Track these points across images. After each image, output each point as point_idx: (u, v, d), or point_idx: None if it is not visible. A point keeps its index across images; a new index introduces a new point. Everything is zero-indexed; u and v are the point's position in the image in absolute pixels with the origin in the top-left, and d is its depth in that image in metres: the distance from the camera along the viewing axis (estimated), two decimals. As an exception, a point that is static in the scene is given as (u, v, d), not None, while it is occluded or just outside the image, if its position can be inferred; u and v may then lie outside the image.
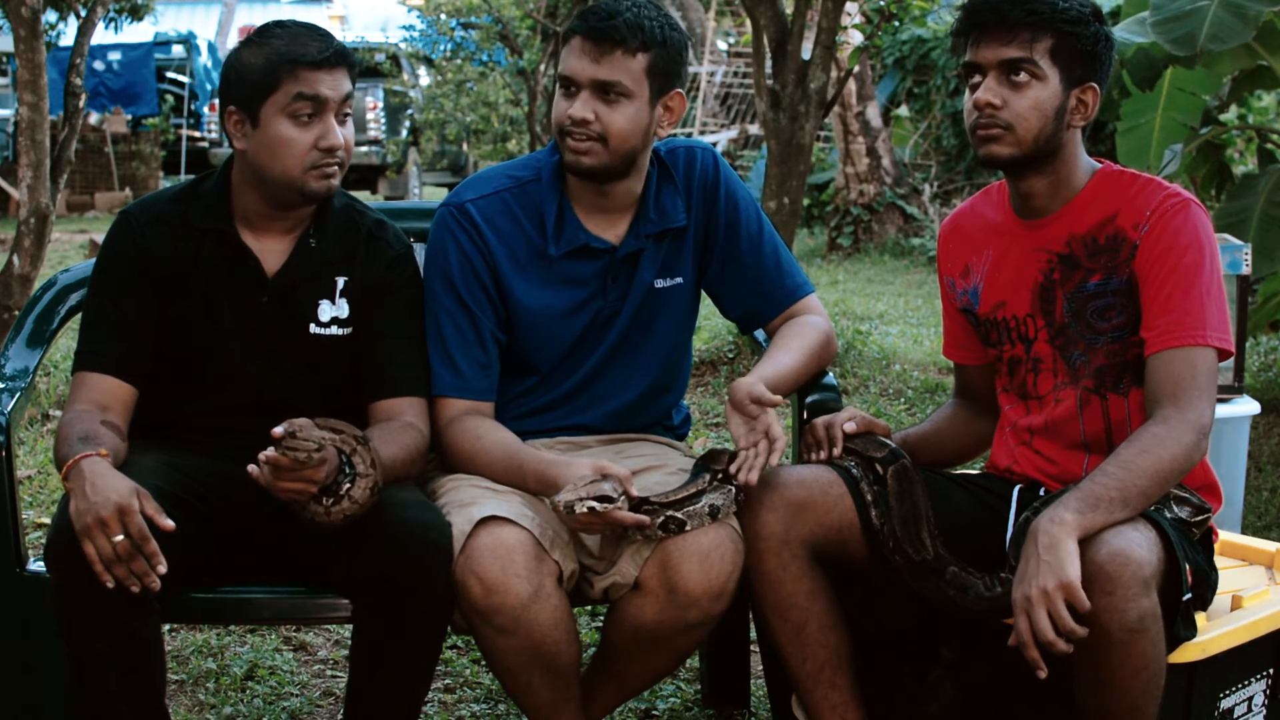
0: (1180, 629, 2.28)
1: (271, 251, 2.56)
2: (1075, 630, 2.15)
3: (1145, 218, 2.42)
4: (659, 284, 2.71)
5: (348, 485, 2.33)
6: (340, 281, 2.59)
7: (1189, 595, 2.27)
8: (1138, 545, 2.19)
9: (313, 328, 2.57)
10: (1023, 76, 2.42)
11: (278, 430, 2.21)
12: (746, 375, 2.57)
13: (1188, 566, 2.27)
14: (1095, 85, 2.46)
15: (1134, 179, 2.49)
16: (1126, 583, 2.15)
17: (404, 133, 17.43)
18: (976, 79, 2.46)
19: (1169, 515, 2.37)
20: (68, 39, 11.67)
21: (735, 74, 16.65)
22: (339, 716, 3.03)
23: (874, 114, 11.87)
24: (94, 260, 2.60)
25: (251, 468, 2.25)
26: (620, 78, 2.53)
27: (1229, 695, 2.46)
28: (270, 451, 2.22)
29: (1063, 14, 2.42)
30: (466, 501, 2.44)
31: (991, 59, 2.43)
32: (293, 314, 2.57)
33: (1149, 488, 2.26)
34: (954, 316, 2.71)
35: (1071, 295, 2.49)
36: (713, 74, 16.70)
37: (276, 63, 2.46)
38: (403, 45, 17.01)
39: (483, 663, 3.25)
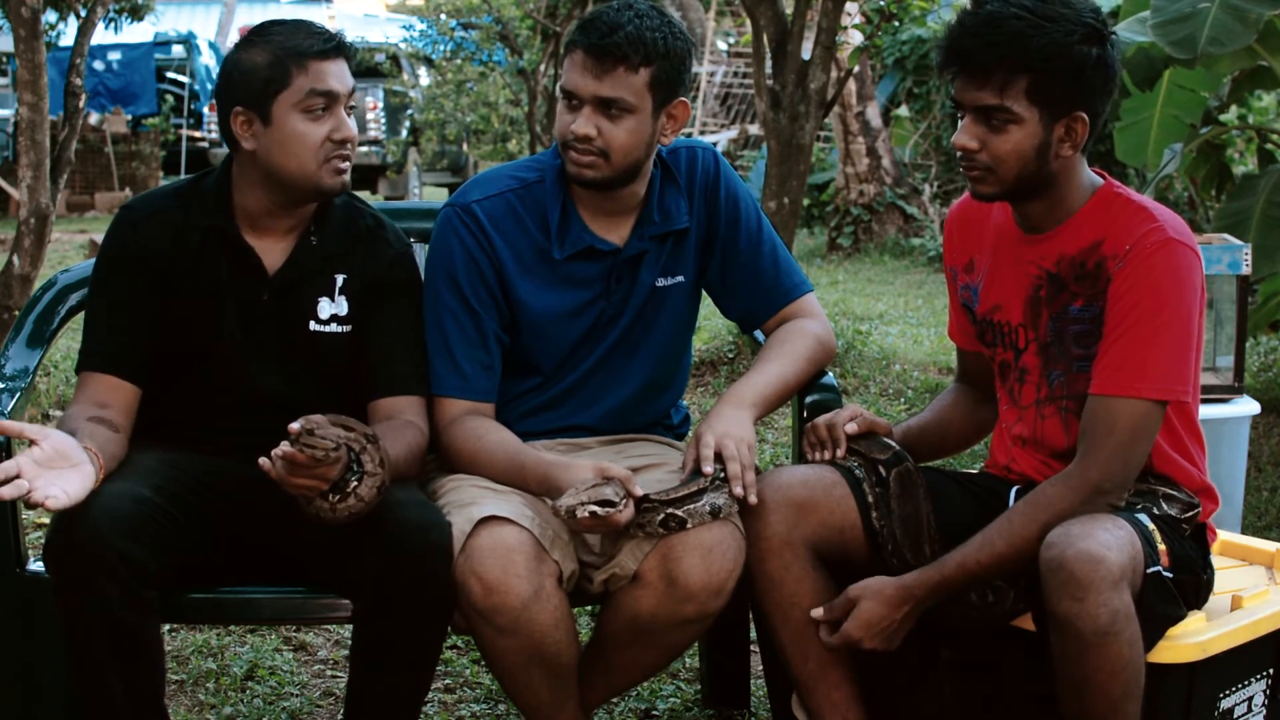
0: (1156, 602, 2.26)
1: (272, 249, 2.56)
2: None
3: (1124, 252, 2.35)
4: (660, 283, 2.71)
5: (355, 483, 2.32)
6: (339, 279, 2.59)
7: (1157, 568, 2.25)
8: (1105, 546, 2.18)
9: (312, 325, 2.57)
10: (998, 121, 2.34)
11: (295, 426, 2.20)
12: (724, 402, 2.56)
13: (1163, 547, 2.27)
14: (1084, 114, 2.36)
15: (1127, 204, 2.41)
16: (1097, 586, 2.15)
17: (404, 133, 17.42)
18: (961, 112, 2.40)
19: (1156, 512, 2.37)
20: (68, 39, 11.68)
21: (735, 74, 16.64)
22: (339, 716, 3.03)
23: (874, 114, 11.86)
24: (94, 259, 2.60)
25: (264, 461, 2.23)
26: (622, 94, 2.51)
27: (1229, 695, 2.46)
28: (286, 447, 2.21)
29: (1038, 52, 2.30)
30: (466, 501, 2.44)
31: (968, 102, 2.37)
32: (293, 311, 2.56)
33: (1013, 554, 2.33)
34: (958, 305, 2.70)
35: (1055, 316, 2.45)
36: (713, 74, 16.70)
37: (283, 58, 2.46)
38: (403, 45, 16.99)
39: (483, 663, 3.25)
